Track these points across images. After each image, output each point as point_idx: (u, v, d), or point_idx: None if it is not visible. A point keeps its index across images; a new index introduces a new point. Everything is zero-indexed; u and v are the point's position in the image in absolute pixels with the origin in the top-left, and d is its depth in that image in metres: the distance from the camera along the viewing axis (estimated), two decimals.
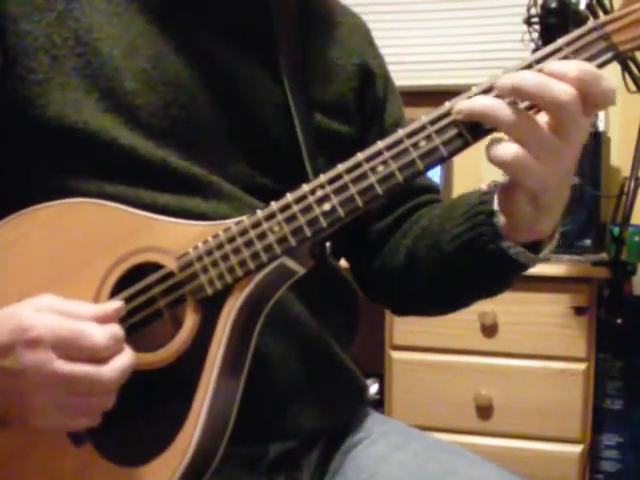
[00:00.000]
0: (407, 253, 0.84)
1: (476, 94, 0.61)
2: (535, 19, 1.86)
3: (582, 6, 1.74)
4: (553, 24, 1.80)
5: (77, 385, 0.60)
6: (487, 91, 0.61)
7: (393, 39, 2.39)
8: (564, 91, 0.57)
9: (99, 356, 0.61)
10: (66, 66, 0.73)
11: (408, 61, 2.41)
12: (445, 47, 2.40)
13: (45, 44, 0.73)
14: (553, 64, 0.59)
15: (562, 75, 0.58)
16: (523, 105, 0.60)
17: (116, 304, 0.64)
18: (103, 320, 0.62)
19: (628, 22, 0.60)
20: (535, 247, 0.70)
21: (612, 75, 1.61)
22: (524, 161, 0.59)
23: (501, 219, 0.69)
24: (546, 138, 0.59)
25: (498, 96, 0.60)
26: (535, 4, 1.86)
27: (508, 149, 0.59)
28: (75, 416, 0.63)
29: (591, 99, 0.58)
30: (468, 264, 0.74)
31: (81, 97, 0.73)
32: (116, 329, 0.62)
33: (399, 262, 0.86)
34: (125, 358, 0.62)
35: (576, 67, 0.58)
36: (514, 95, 0.59)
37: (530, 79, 0.58)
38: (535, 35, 1.87)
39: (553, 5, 1.80)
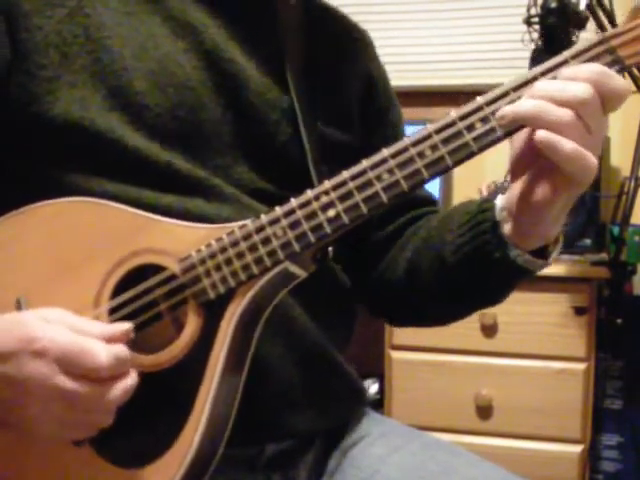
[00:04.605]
0: (407, 267, 0.84)
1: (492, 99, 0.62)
2: (535, 19, 1.86)
3: (582, 6, 1.74)
4: (553, 24, 1.80)
5: (76, 402, 0.60)
6: (502, 97, 0.62)
7: (393, 39, 2.39)
8: (583, 89, 0.60)
9: (101, 376, 0.60)
10: (75, 63, 0.73)
11: (408, 61, 2.41)
12: (445, 47, 2.39)
13: (55, 40, 0.73)
14: (564, 70, 0.61)
15: (574, 78, 0.60)
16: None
17: (125, 325, 0.64)
18: (110, 340, 0.62)
19: (633, 37, 0.61)
20: (538, 253, 0.70)
21: None
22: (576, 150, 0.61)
23: (506, 227, 0.70)
24: (585, 131, 0.61)
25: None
26: (535, 4, 1.86)
27: (566, 144, 0.60)
28: (71, 430, 0.63)
29: (605, 96, 0.60)
30: (473, 274, 0.74)
31: (88, 94, 0.72)
32: (122, 350, 0.62)
33: (399, 276, 0.85)
34: (128, 380, 0.62)
35: (586, 69, 0.61)
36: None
37: (550, 84, 0.61)
38: (535, 35, 1.87)
39: (553, 5, 1.80)
